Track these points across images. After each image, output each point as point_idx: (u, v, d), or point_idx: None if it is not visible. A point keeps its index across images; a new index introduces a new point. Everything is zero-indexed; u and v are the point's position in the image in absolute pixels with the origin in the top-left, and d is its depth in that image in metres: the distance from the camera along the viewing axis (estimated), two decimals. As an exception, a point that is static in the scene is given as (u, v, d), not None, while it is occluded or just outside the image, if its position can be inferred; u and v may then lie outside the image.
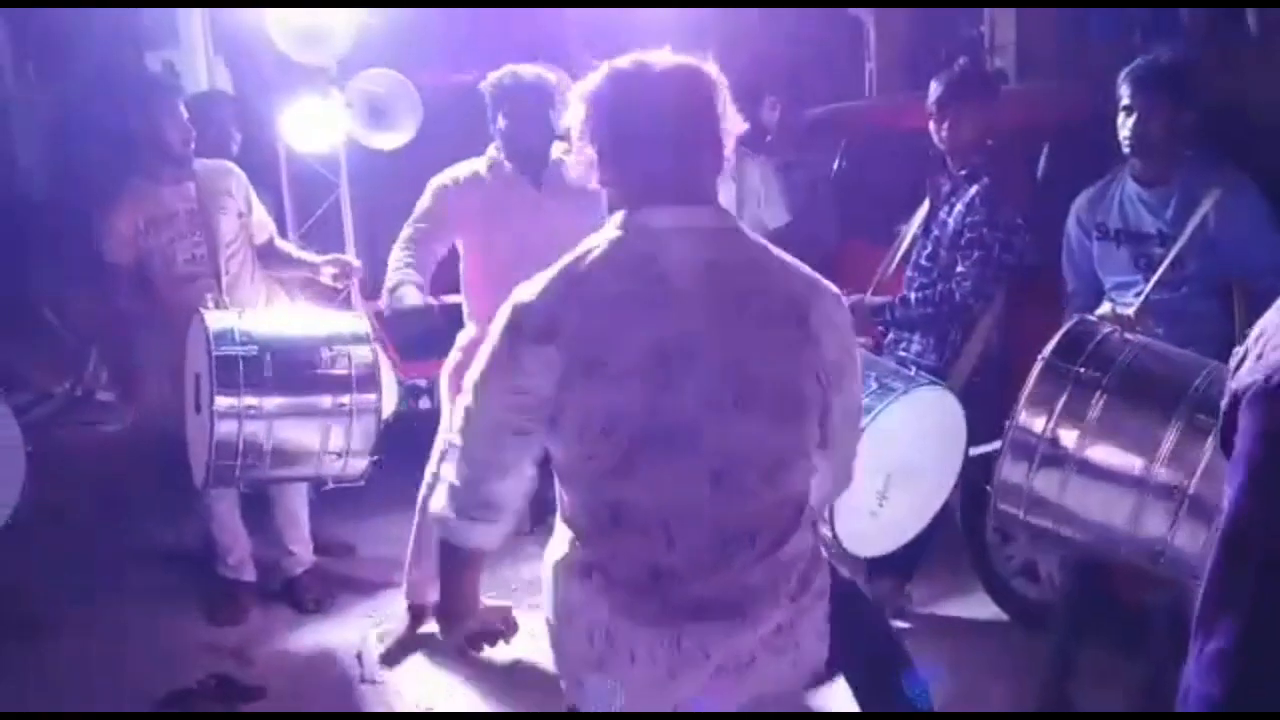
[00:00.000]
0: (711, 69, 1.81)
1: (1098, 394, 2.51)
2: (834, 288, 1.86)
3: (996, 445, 2.67)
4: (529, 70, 3.68)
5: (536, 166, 3.69)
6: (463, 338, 3.79)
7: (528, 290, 1.79)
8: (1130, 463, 2.47)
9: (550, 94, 3.66)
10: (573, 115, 1.83)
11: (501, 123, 3.65)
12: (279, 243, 4.24)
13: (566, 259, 1.81)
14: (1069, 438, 2.52)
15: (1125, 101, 3.00)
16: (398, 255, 3.66)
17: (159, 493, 4.37)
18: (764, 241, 1.86)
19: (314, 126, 4.83)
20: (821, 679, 1.90)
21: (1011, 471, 2.59)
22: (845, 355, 1.86)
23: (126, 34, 6.87)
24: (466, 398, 1.85)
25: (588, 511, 1.82)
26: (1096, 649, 3.17)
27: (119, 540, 4.61)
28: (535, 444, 1.82)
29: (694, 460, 1.74)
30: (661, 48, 1.84)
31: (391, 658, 3.74)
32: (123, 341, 4.14)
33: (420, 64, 5.19)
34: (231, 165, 4.08)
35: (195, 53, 5.66)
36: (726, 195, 4.41)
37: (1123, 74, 3.03)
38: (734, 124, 1.82)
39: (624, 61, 1.80)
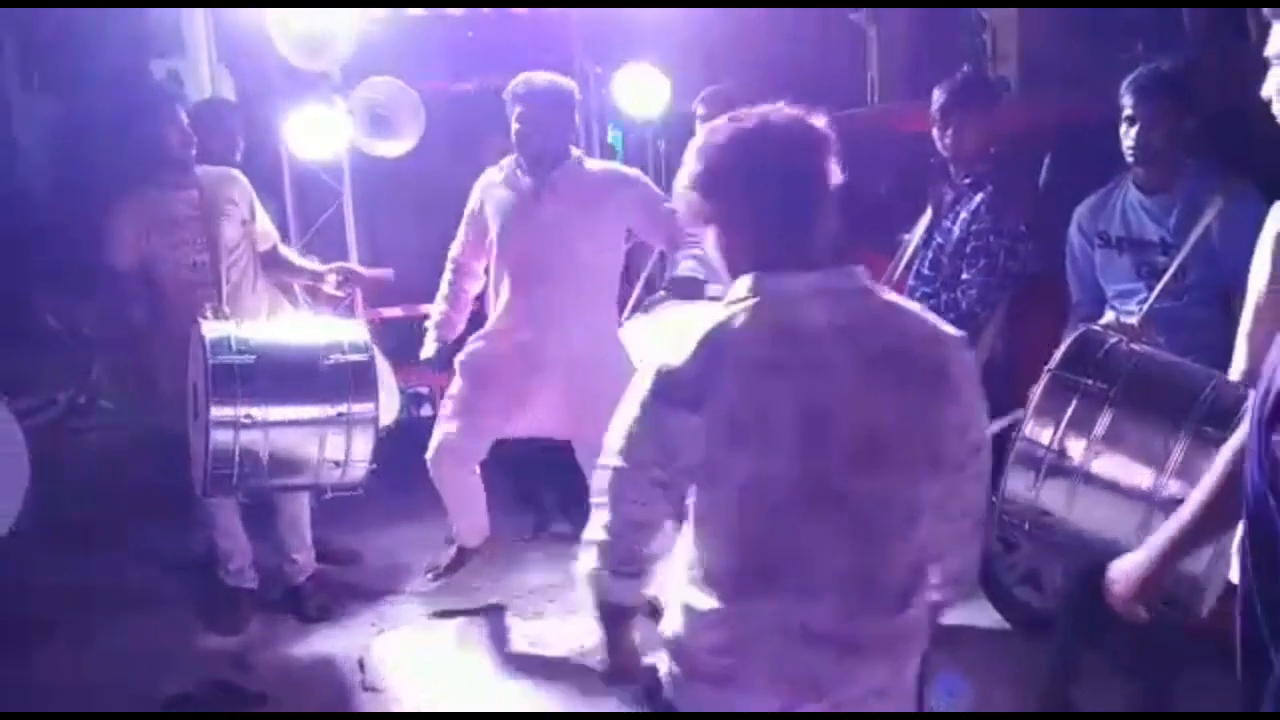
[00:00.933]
0: (825, 125, 1.84)
1: (1105, 405, 2.50)
2: (958, 332, 1.90)
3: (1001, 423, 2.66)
4: (542, 76, 3.75)
5: (545, 171, 3.73)
6: (484, 330, 3.91)
7: (672, 356, 1.81)
8: (1138, 475, 2.46)
9: (563, 98, 3.73)
10: (688, 167, 1.86)
11: (514, 126, 3.71)
12: (282, 250, 4.24)
13: (708, 325, 1.82)
14: (1076, 449, 2.51)
15: (1128, 112, 3.00)
16: (442, 286, 3.99)
17: (161, 499, 4.37)
18: (892, 296, 1.89)
19: (317, 134, 4.84)
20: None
21: (1017, 482, 2.59)
22: (979, 400, 1.92)
23: (132, 42, 6.90)
24: (611, 459, 1.89)
25: (727, 562, 1.85)
26: (1098, 654, 3.16)
27: (121, 546, 4.62)
28: (678, 500, 1.86)
29: (836, 519, 1.79)
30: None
31: (439, 578, 4.08)
32: (128, 348, 4.13)
33: (422, 72, 5.20)
34: (235, 172, 4.08)
35: (199, 60, 5.66)
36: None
37: (1125, 83, 3.03)
38: (838, 178, 1.85)
39: (745, 119, 1.83)
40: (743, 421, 1.76)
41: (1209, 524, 1.93)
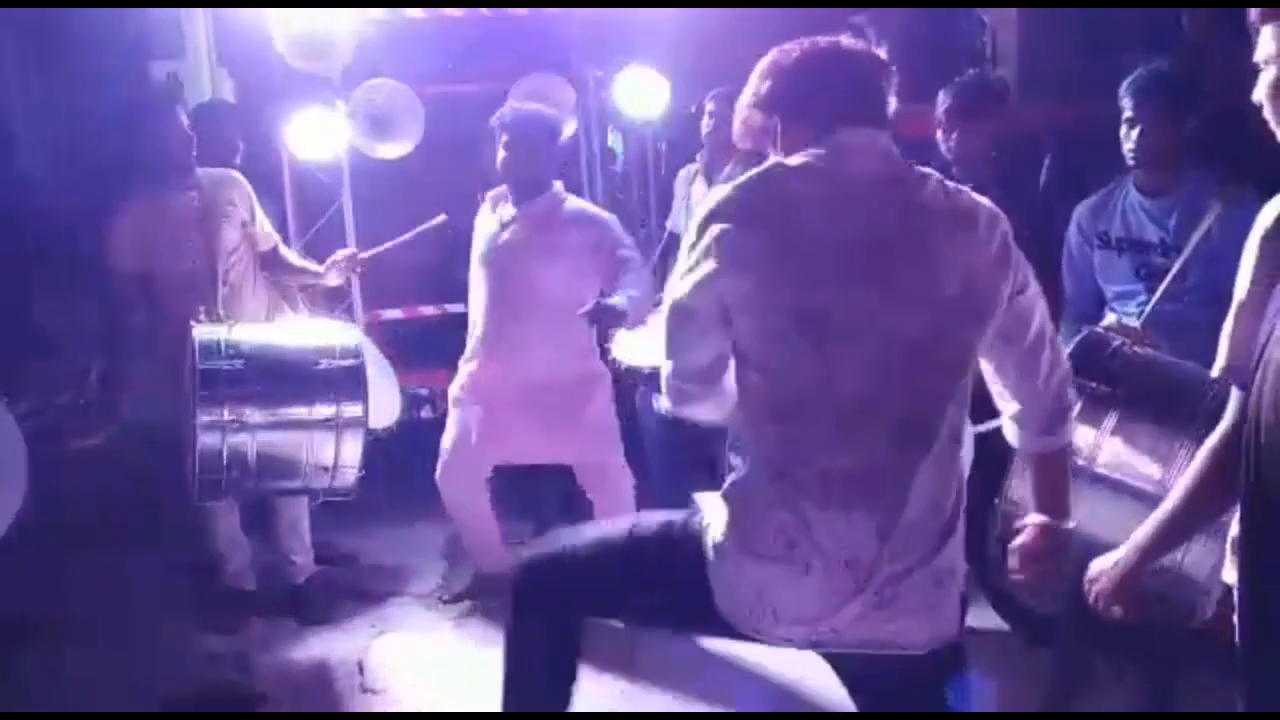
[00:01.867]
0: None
1: (1110, 409, 2.51)
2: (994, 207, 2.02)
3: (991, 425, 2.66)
4: (529, 106, 3.91)
5: (524, 199, 3.83)
6: (466, 355, 3.98)
7: (724, 199, 1.93)
8: (1143, 480, 2.46)
9: (547, 128, 3.83)
10: (753, 86, 2.03)
11: (500, 154, 3.80)
12: (283, 251, 4.24)
13: (765, 169, 1.96)
14: (1080, 453, 2.51)
15: (1128, 114, 3.00)
16: None
17: (160, 500, 4.37)
18: (930, 170, 2.01)
19: (317, 136, 4.84)
20: (950, 647, 2.03)
21: (1021, 487, 2.59)
22: (1016, 249, 2.01)
23: (132, 43, 6.90)
24: (675, 295, 1.98)
25: (772, 405, 1.93)
26: (1098, 654, 3.17)
27: (121, 546, 4.61)
28: (729, 334, 1.96)
29: (882, 353, 1.88)
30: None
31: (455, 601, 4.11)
32: (127, 350, 4.13)
33: (422, 74, 5.20)
34: (235, 174, 4.08)
35: (199, 62, 5.67)
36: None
37: (1124, 86, 3.04)
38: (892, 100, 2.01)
39: (817, 42, 2.04)
40: (793, 256, 1.87)
41: (1188, 520, 1.97)
